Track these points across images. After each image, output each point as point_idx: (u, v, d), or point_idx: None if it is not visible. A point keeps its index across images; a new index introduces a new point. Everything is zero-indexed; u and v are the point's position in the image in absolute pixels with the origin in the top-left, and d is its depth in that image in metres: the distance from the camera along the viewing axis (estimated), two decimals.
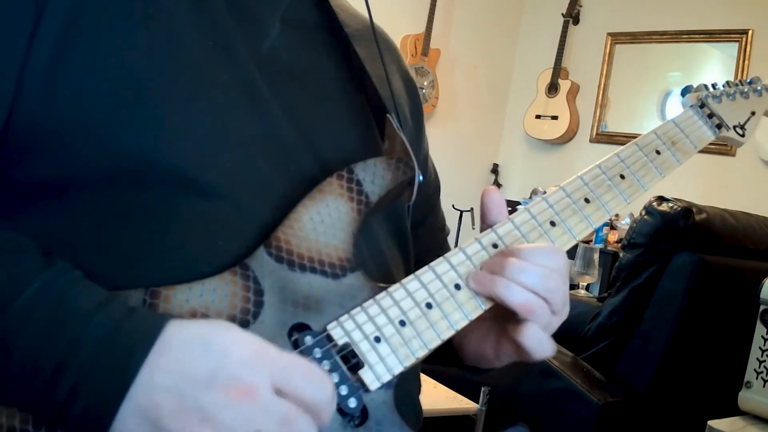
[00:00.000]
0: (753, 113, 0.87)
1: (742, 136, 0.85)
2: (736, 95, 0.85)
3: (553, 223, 0.70)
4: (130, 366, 0.51)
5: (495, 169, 5.00)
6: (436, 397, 1.82)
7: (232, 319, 0.58)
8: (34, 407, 0.52)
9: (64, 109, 0.57)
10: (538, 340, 0.65)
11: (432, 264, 0.65)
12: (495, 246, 0.67)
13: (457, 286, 0.65)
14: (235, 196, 0.61)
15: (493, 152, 5.06)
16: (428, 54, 4.43)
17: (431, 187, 0.89)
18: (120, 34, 0.59)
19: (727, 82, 0.86)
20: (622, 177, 0.74)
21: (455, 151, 4.62)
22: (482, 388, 1.83)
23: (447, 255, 0.66)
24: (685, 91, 0.84)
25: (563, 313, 0.67)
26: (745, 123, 0.86)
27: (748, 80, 0.88)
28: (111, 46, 0.58)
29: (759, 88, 0.87)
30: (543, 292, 0.63)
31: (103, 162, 0.58)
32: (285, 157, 0.65)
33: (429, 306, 0.64)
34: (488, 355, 0.71)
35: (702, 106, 0.83)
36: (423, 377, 0.94)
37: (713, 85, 0.85)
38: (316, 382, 0.54)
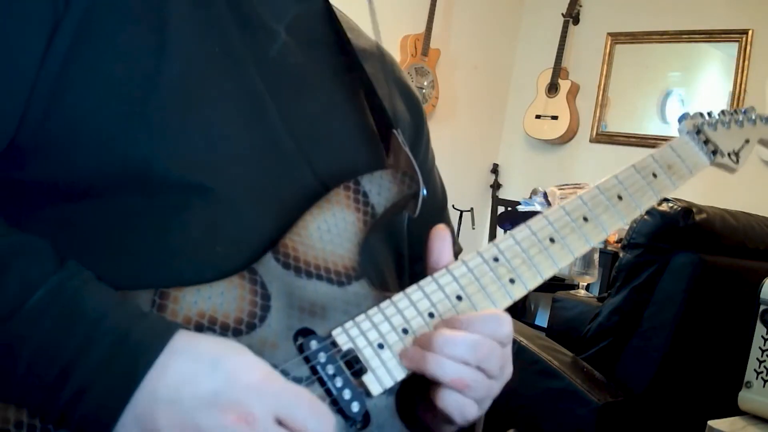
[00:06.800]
0: (747, 141, 0.90)
1: (736, 162, 0.88)
2: (731, 123, 0.88)
3: (552, 240, 0.72)
4: (136, 373, 0.51)
5: (495, 169, 5.00)
6: None
7: (239, 321, 0.59)
8: (39, 406, 0.52)
9: (69, 115, 0.58)
10: (458, 406, 0.62)
11: (435, 275, 0.67)
12: (496, 260, 0.69)
13: (459, 298, 0.66)
14: (234, 204, 0.62)
15: (493, 152, 5.06)
16: (428, 54, 4.43)
17: (437, 205, 0.88)
18: (126, 41, 0.60)
19: (722, 111, 0.89)
20: (620, 198, 0.76)
21: (455, 151, 4.62)
22: None
23: (450, 267, 0.67)
24: (682, 118, 0.87)
25: (504, 377, 0.66)
26: (739, 150, 0.88)
27: (743, 109, 0.91)
28: (117, 54, 0.59)
29: (753, 117, 0.90)
30: (475, 362, 0.61)
31: (107, 168, 0.58)
32: (283, 168, 0.66)
33: (431, 315, 0.65)
34: (428, 421, 0.68)
35: (698, 132, 0.85)
36: None
37: (709, 113, 0.88)
38: (320, 417, 0.55)
